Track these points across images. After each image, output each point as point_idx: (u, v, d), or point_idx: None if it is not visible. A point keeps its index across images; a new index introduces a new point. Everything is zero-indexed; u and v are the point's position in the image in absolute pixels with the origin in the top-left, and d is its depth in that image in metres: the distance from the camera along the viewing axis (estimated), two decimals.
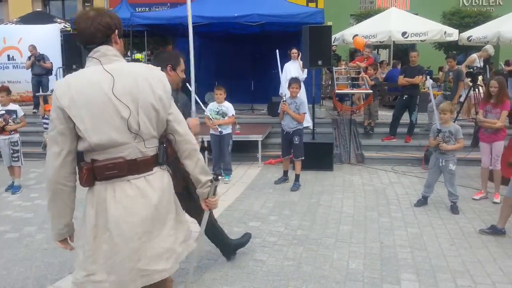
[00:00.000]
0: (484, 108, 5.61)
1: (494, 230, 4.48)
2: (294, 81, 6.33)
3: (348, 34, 12.47)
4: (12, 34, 12.18)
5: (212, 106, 6.62)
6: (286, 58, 9.30)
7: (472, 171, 7.06)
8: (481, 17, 14.69)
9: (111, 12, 2.11)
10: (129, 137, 1.96)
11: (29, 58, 10.32)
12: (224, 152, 6.60)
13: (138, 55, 14.44)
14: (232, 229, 4.63)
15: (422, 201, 5.42)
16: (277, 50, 6.43)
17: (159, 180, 2.07)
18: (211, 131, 6.58)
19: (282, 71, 6.31)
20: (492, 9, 17.16)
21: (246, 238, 4.02)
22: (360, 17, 15.81)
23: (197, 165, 2.22)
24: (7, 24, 14.81)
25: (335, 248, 4.16)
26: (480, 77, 8.26)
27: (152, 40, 14.03)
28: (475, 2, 18.24)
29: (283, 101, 6.21)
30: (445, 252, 4.07)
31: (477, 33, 12.63)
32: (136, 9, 14.99)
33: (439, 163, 5.22)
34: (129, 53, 13.19)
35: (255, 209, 5.29)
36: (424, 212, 5.21)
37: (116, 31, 2.04)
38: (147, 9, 17.11)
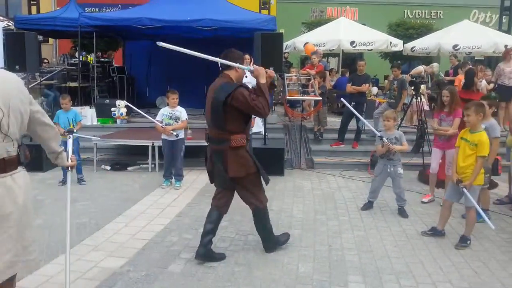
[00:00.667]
0: (439, 117, 5.89)
1: (434, 231, 4.73)
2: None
3: (299, 42, 12.75)
4: None
5: (165, 111, 6.53)
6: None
7: (415, 176, 7.42)
8: (424, 29, 15.53)
9: None
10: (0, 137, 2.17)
11: None
12: (176, 157, 6.53)
13: (87, 57, 13.97)
14: (182, 236, 4.59)
15: (368, 205, 5.62)
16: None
17: (23, 178, 2.31)
18: (163, 136, 6.49)
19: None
20: (434, 22, 18.19)
21: (285, 238, 4.34)
22: (311, 26, 16.21)
23: (57, 143, 2.66)
24: None
25: (286, 252, 4.22)
26: (422, 86, 8.71)
27: (102, 41, 13.62)
28: (418, 15, 19.25)
29: None
30: (389, 254, 4.25)
31: (420, 44, 13.32)
32: (86, 9, 14.52)
33: (387, 169, 5.42)
34: (77, 55, 12.75)
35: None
36: (369, 215, 5.41)
37: None
38: (97, 9, 16.62)
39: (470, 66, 9.44)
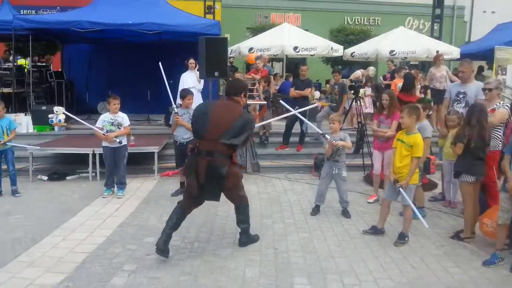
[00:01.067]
0: (378, 119, 6.13)
1: (375, 230, 4.92)
2: (187, 92, 6.36)
3: (244, 47, 12.84)
4: None
5: (105, 117, 6.31)
6: (183, 68, 9.29)
7: (357, 176, 7.68)
8: (363, 35, 16.14)
9: None
10: None
11: None
12: (119, 165, 6.32)
13: (22, 61, 13.20)
14: (126, 247, 4.45)
15: (316, 210, 5.69)
16: (159, 62, 6.42)
17: None
18: (104, 143, 6.27)
19: (168, 84, 6.30)
20: (372, 28, 18.97)
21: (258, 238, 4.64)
22: (256, 31, 16.36)
23: None
24: None
25: (232, 258, 4.21)
26: (362, 90, 9.04)
27: (39, 45, 12.96)
28: (358, 21, 20.00)
29: (175, 112, 6.19)
30: (333, 254, 4.36)
31: (359, 49, 13.85)
32: (21, 11, 13.79)
33: (333, 171, 5.56)
34: (11, 58, 12.03)
35: (151, 224, 5.15)
36: (314, 217, 5.52)
37: None
38: (33, 11, 15.84)
39: (407, 70, 9.94)
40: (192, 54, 8.99)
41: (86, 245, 4.51)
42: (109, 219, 5.35)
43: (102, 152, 6.42)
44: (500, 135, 5.26)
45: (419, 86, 9.57)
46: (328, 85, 12.40)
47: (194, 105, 6.50)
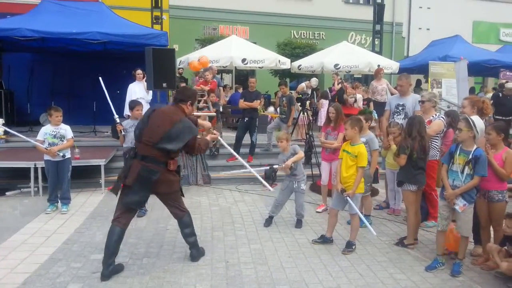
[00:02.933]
0: (325, 131, 6.32)
1: (323, 239, 5.04)
2: (136, 103, 6.27)
3: (193, 58, 12.77)
4: None
5: (47, 129, 6.05)
6: (131, 78, 9.11)
7: (306, 187, 7.83)
8: (309, 49, 16.59)
9: None
10: None
11: None
12: (63, 180, 6.07)
13: None
14: (70, 265, 4.26)
15: (270, 221, 5.72)
16: (100, 77, 6.30)
17: None
18: (46, 157, 6.00)
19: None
20: (317, 42, 19.57)
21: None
22: (204, 42, 16.36)
23: None
24: None
25: (183, 273, 4.16)
26: (308, 102, 9.30)
27: None
28: (304, 35, 20.57)
29: (117, 122, 6.13)
30: (283, 265, 4.42)
31: (305, 62, 14.23)
32: None
33: (293, 184, 5.64)
34: None
35: (97, 240, 4.97)
36: (265, 228, 5.57)
37: None
38: None
39: (344, 84, 10.33)
40: (140, 65, 8.85)
41: (27, 264, 4.28)
42: (52, 236, 5.11)
43: (44, 166, 6.14)
44: (437, 145, 5.60)
45: (353, 98, 9.73)
46: (276, 97, 12.62)
47: None
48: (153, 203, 6.35)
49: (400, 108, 6.22)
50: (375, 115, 8.82)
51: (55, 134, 6.02)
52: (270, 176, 7.92)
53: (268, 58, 13.19)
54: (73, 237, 5.10)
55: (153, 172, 3.98)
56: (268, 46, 15.05)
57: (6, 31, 8.64)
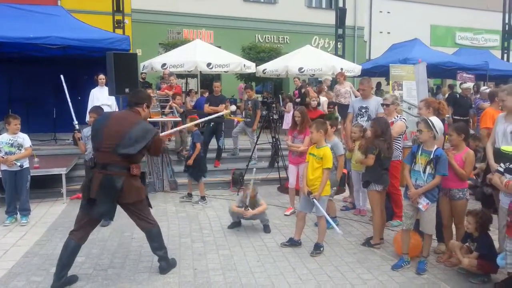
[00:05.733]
0: (292, 135, 6.34)
1: (292, 242, 5.05)
2: (94, 110, 6.09)
3: (157, 62, 12.63)
4: None
5: (3, 138, 5.81)
6: (93, 83, 8.88)
7: (273, 190, 7.86)
8: (273, 53, 16.70)
9: None
10: None
11: None
12: (21, 190, 5.83)
13: None
14: (30, 279, 4.08)
15: (236, 224, 5.71)
16: (61, 76, 6.10)
17: None
18: (3, 167, 5.75)
19: (70, 99, 6.02)
20: (282, 46, 19.75)
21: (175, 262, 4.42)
22: (168, 47, 16.18)
23: None
24: None
25: (149, 283, 4.06)
26: (273, 106, 9.35)
27: None
28: (268, 39, 20.71)
29: (76, 129, 5.93)
30: (252, 269, 4.39)
31: (270, 66, 14.31)
32: None
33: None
34: None
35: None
36: (233, 233, 5.54)
37: None
38: None
39: (306, 88, 10.45)
40: (102, 70, 8.63)
41: None
42: (11, 249, 4.89)
43: (1, 176, 5.87)
44: (400, 146, 5.74)
45: (315, 101, 9.74)
46: (241, 101, 12.63)
47: None
48: (118, 211, 6.20)
49: (363, 110, 6.33)
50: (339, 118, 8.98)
51: (12, 143, 5.79)
52: (237, 181, 7.90)
53: (233, 62, 13.18)
54: (33, 249, 4.90)
55: (116, 180, 3.86)
56: (232, 50, 15.04)
57: None
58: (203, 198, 7.04)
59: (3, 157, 5.69)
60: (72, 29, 9.12)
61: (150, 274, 4.23)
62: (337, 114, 9.67)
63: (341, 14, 15.54)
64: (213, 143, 8.73)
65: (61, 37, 8.61)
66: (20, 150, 5.84)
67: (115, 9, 12.05)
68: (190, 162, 6.90)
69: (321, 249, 4.85)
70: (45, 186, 7.13)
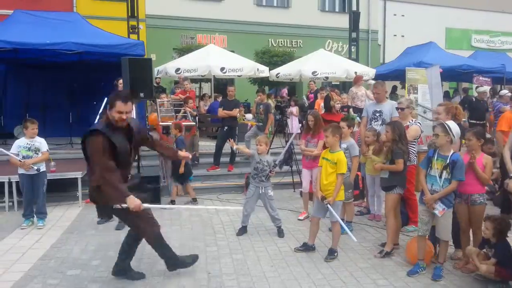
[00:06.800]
0: (306, 139, 6.32)
1: (306, 247, 5.02)
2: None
3: (171, 67, 12.73)
4: None
5: (21, 142, 5.92)
6: (108, 88, 8.97)
7: (287, 194, 7.84)
8: (287, 57, 16.72)
9: None
10: None
11: None
12: (38, 193, 5.92)
13: None
14: (47, 282, 4.13)
15: (243, 230, 5.68)
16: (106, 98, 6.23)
17: None
18: (20, 171, 5.85)
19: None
20: (295, 50, 19.74)
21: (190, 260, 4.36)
22: (182, 52, 16.30)
23: None
24: None
25: (164, 285, 4.08)
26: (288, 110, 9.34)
27: None
28: (281, 44, 20.73)
29: None
30: (266, 274, 4.37)
31: (283, 70, 14.32)
32: None
33: (259, 191, 5.60)
34: None
35: (75, 256, 4.84)
36: (247, 237, 5.53)
37: None
38: None
39: (328, 91, 10.39)
40: (117, 75, 8.72)
41: (1, 282, 4.13)
42: (28, 252, 4.96)
43: (18, 179, 5.97)
44: (414, 150, 5.68)
45: (339, 104, 9.84)
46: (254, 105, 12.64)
47: None
48: None
49: (377, 114, 6.28)
50: (358, 119, 8.88)
51: (29, 147, 5.89)
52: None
53: (246, 66, 13.23)
54: (49, 252, 4.96)
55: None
56: (246, 55, 15.09)
57: None
58: (194, 199, 7.17)
59: (21, 161, 5.79)
60: (88, 35, 9.26)
61: (164, 278, 4.24)
62: (354, 114, 9.55)
63: (354, 18, 15.46)
64: (226, 148, 8.74)
65: (77, 43, 8.74)
66: (37, 154, 5.93)
67: (129, 14, 12.20)
68: (182, 170, 7.01)
69: (335, 254, 4.81)
70: (61, 189, 7.22)
